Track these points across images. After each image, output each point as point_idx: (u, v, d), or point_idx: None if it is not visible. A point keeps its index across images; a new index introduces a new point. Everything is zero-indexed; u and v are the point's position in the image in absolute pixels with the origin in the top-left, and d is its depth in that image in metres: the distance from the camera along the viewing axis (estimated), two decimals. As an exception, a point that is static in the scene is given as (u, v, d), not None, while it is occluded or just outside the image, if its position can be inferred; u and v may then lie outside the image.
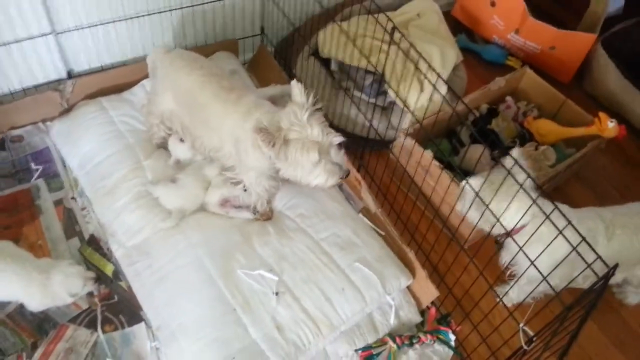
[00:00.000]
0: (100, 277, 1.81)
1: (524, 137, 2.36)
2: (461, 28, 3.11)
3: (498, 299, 1.76)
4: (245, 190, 1.91)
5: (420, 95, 2.32)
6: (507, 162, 1.59)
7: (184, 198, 1.91)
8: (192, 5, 2.25)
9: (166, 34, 2.30)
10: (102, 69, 2.27)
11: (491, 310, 1.75)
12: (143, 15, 2.17)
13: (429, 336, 1.85)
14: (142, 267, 1.82)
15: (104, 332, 1.72)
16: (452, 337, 1.87)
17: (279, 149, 1.62)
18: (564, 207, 1.73)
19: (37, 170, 2.08)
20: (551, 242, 1.39)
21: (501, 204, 1.64)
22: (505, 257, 1.89)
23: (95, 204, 1.98)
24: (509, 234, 1.71)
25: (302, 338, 1.70)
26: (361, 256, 1.88)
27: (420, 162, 2.10)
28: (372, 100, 2.39)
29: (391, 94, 2.33)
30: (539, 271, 1.45)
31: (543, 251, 1.43)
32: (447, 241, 1.99)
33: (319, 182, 1.70)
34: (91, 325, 1.74)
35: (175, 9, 2.22)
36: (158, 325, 1.71)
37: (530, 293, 1.82)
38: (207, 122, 1.84)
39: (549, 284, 1.43)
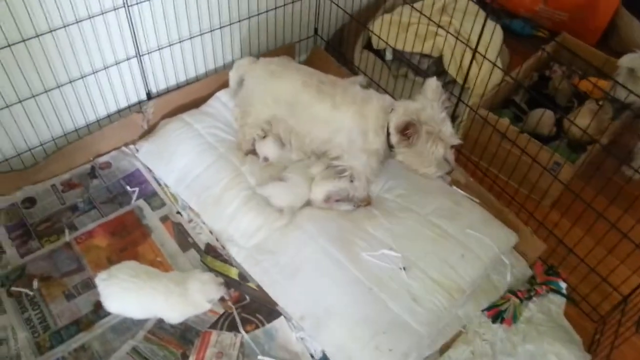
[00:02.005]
0: (227, 282, 1.86)
1: (580, 96, 2.50)
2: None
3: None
4: (351, 181, 1.99)
5: (479, 71, 2.44)
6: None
7: (294, 195, 1.98)
8: (256, 15, 2.34)
9: (234, 45, 2.38)
10: (178, 87, 2.33)
11: (603, 259, 1.86)
12: (215, 30, 2.25)
13: (543, 287, 1.95)
14: (268, 265, 1.87)
15: (246, 332, 1.77)
16: (563, 285, 1.98)
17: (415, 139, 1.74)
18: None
19: (134, 192, 2.12)
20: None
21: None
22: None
23: (204, 214, 2.03)
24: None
25: (438, 305, 1.78)
26: (469, 223, 1.98)
27: (496, 129, 2.21)
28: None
29: (451, 72, 2.44)
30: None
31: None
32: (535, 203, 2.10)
33: (428, 172, 1.84)
34: (232, 327, 1.78)
35: (243, 20, 2.30)
36: (301, 315, 1.77)
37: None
38: (316, 118, 1.93)
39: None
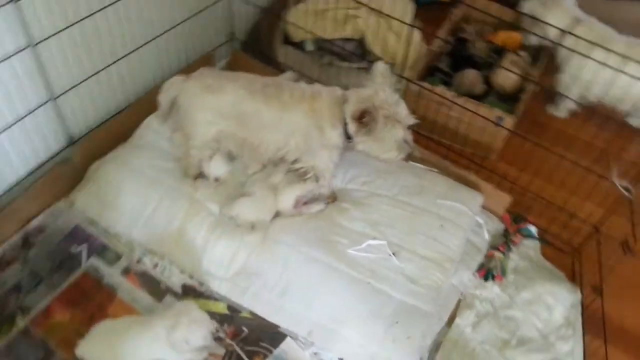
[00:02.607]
0: (218, 319, 1.72)
1: (498, 50, 2.62)
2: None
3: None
4: (317, 180, 1.92)
5: (400, 45, 2.46)
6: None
7: (262, 208, 1.88)
8: (166, 31, 2.16)
9: (152, 66, 2.20)
10: (101, 123, 2.11)
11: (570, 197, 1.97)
12: (130, 53, 2.05)
13: (517, 235, 2.03)
14: (256, 289, 1.77)
15: (256, 363, 1.66)
16: (533, 229, 2.08)
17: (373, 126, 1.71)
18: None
19: (80, 252, 1.89)
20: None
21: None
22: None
23: (170, 254, 1.87)
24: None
25: (435, 280, 1.78)
26: (437, 193, 2.00)
27: (442, 96, 2.24)
28: (357, 65, 2.51)
29: (376, 51, 2.44)
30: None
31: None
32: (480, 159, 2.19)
33: (390, 157, 1.84)
34: (239, 364, 1.66)
35: (155, 39, 2.12)
36: (308, 331, 1.69)
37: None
38: (266, 124, 1.84)
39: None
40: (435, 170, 2.13)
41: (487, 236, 2.01)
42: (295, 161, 1.94)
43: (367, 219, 1.91)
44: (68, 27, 1.75)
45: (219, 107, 1.86)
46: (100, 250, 1.90)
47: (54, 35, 1.72)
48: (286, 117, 1.83)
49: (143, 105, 2.15)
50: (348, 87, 2.42)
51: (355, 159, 2.06)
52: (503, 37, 2.63)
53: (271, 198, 1.91)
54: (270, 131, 1.86)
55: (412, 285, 1.75)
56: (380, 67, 1.79)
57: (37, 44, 1.69)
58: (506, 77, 2.48)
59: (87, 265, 1.86)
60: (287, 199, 1.92)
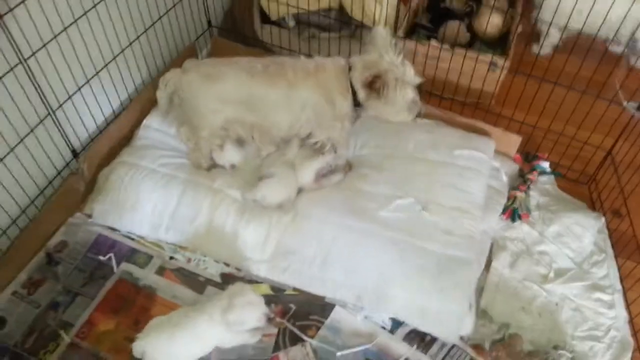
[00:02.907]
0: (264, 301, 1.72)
1: (474, -1, 2.65)
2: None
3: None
4: (335, 151, 1.92)
5: (381, 8, 2.46)
6: None
7: (287, 186, 1.87)
8: (145, 32, 2.11)
9: (139, 66, 2.14)
10: (100, 131, 2.05)
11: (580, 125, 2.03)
12: (117, 56, 1.99)
13: (534, 173, 2.08)
14: (297, 266, 1.77)
15: (311, 337, 1.67)
16: (546, 164, 2.13)
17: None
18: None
19: (110, 259, 1.85)
20: None
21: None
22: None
23: (203, 247, 1.85)
24: None
25: (468, 227, 1.82)
26: (450, 144, 2.04)
27: (428, 54, 2.26)
28: (340, 34, 2.50)
29: (357, 17, 2.44)
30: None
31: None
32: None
33: (402, 118, 1.84)
34: (295, 340, 1.67)
35: (137, 39, 2.06)
36: (356, 296, 1.71)
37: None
38: (275, 104, 1.82)
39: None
40: (442, 123, 2.16)
41: (505, 178, 2.05)
42: (308, 136, 1.93)
43: (389, 180, 1.93)
44: (55, 37, 1.69)
45: (223, 95, 1.83)
46: (129, 255, 1.87)
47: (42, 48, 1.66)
48: (294, 95, 1.81)
49: (138, 106, 2.11)
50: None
51: (362, 125, 2.06)
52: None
53: (292, 175, 1.91)
54: (279, 111, 1.85)
55: (448, 237, 1.78)
56: (380, 31, 1.77)
57: (27, 58, 1.62)
58: (489, 24, 2.50)
59: (120, 272, 1.82)
60: (307, 173, 1.91)
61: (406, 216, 1.82)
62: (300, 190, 1.92)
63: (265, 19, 2.56)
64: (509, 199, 2.00)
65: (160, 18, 2.15)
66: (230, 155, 1.97)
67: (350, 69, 1.79)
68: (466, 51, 2.21)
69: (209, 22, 2.48)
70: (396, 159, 2.00)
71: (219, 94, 1.82)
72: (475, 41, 2.55)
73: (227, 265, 1.83)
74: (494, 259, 1.85)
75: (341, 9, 2.49)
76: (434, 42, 2.31)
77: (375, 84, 1.72)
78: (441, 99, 2.32)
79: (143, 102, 2.12)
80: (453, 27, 2.50)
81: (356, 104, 1.83)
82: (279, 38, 2.49)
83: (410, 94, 1.79)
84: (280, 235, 1.81)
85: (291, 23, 2.55)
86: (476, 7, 2.58)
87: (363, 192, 1.90)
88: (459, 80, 2.32)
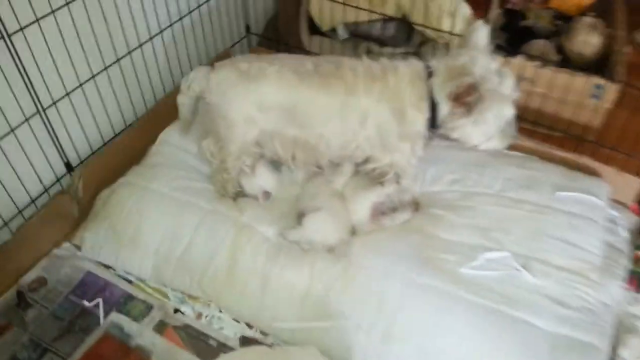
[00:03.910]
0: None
1: (561, 17, 2.22)
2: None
3: None
4: (397, 182, 1.46)
5: (452, 21, 2.04)
6: None
7: (339, 224, 1.41)
8: (170, 25, 1.73)
9: (159, 70, 1.75)
10: (105, 143, 1.64)
11: None
12: (124, 56, 1.60)
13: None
14: (348, 336, 1.28)
15: None
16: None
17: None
18: None
19: (97, 306, 1.40)
20: None
21: None
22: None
23: (219, 298, 1.39)
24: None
25: (585, 297, 1.31)
26: (552, 184, 1.57)
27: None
28: (402, 50, 2.09)
29: (428, 32, 2.03)
30: None
31: None
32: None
33: (494, 145, 1.41)
34: None
35: (157, 35, 1.68)
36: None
37: None
38: (327, 114, 1.40)
39: None
40: (536, 157, 1.68)
41: (625, 233, 1.54)
42: (366, 161, 1.48)
43: (472, 225, 1.45)
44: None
45: (261, 99, 1.40)
46: (122, 302, 1.42)
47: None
48: (352, 103, 1.38)
49: (156, 118, 1.71)
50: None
51: (431, 154, 1.60)
52: (557, 1, 2.25)
53: (343, 210, 1.45)
54: (331, 123, 1.41)
55: (560, 308, 1.27)
56: (479, 26, 1.36)
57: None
58: (585, 44, 2.06)
59: (108, 324, 1.37)
60: (361, 208, 1.46)
61: (500, 276, 1.33)
62: (353, 231, 1.45)
63: (314, 29, 2.18)
64: (635, 261, 1.48)
65: (189, 13, 1.77)
66: (264, 179, 1.54)
67: (430, 74, 1.36)
68: (569, 71, 1.76)
69: (247, 28, 2.11)
70: (480, 197, 1.54)
71: (255, 97, 1.40)
72: (567, 65, 2.09)
73: (250, 326, 1.36)
74: (621, 346, 1.32)
75: (404, 19, 2.09)
76: (521, 59, 1.86)
77: (466, 97, 1.27)
78: (533, 129, 1.85)
79: (162, 113, 1.73)
80: (539, 46, 2.07)
81: (432, 124, 1.38)
82: (330, 50, 2.10)
83: (509, 112, 1.35)
84: (327, 290, 1.33)
85: (344, 34, 2.15)
86: (567, 26, 2.14)
87: (436, 239, 1.43)
88: (552, 107, 1.86)
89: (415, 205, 1.56)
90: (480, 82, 1.29)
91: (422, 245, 1.41)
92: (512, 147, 1.65)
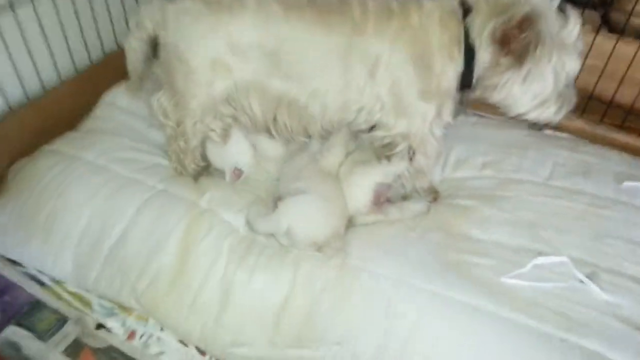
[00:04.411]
0: None
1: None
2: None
3: None
4: (412, 155, 1.08)
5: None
6: None
7: (329, 213, 1.02)
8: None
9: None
10: (28, 101, 1.25)
11: None
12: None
13: None
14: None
15: None
16: None
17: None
18: None
19: (-11, 317, 1.00)
20: None
21: None
22: None
23: (161, 312, 0.99)
24: None
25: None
26: (614, 172, 1.21)
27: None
28: None
29: None
30: None
31: None
32: None
33: (544, 115, 1.05)
34: None
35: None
36: None
37: None
38: (325, 61, 1.04)
39: None
40: (588, 141, 1.32)
41: None
42: (373, 128, 1.10)
43: (513, 221, 1.08)
44: None
45: (234, 36, 1.03)
46: (26, 311, 1.03)
47: None
48: (359, 45, 1.02)
49: (98, 75, 1.35)
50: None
51: (453, 132, 1.23)
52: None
53: (336, 194, 1.06)
54: (328, 74, 1.04)
55: (636, 333, 0.89)
56: None
57: None
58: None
59: (1, 341, 0.96)
60: (360, 190, 1.08)
61: (556, 289, 0.94)
62: (350, 223, 1.07)
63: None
64: None
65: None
66: (238, 150, 1.15)
67: (466, 11, 0.99)
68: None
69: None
70: (522, 186, 1.16)
71: (228, 33, 1.03)
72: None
73: (202, 352, 0.97)
74: None
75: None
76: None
77: (518, 36, 0.91)
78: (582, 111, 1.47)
79: (110, 68, 1.34)
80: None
81: (465, 81, 1.00)
82: None
83: (574, 66, 1.00)
84: (312, 305, 0.94)
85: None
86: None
87: (467, 239, 1.05)
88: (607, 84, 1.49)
89: (434, 194, 1.18)
90: (539, 18, 0.92)
91: (445, 245, 1.03)
92: (558, 127, 1.31)
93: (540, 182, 1.16)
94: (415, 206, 1.11)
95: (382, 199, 1.10)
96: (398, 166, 1.09)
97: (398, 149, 1.09)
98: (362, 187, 1.08)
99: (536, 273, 0.97)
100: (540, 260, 0.99)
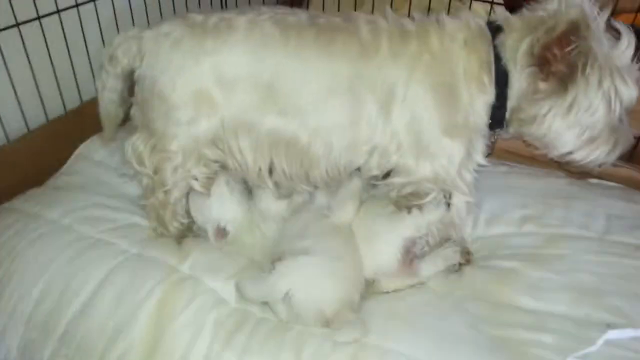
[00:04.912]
0: None
1: None
2: None
3: None
4: (449, 200, 0.89)
5: None
6: None
7: (340, 278, 0.82)
8: None
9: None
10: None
11: None
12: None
13: None
14: None
15: None
16: None
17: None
18: None
19: None
20: None
21: None
22: None
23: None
24: None
25: None
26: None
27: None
28: None
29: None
30: None
31: None
32: None
33: (593, 156, 0.88)
34: None
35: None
36: None
37: None
38: (325, 97, 0.88)
39: None
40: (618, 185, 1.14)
41: None
42: (388, 174, 0.92)
43: (571, 285, 0.89)
44: None
45: (222, 66, 0.88)
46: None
47: None
48: (370, 74, 0.87)
49: (72, 123, 1.20)
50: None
51: (482, 184, 1.04)
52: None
53: (350, 254, 0.86)
54: (333, 109, 0.88)
55: None
56: None
57: None
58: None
59: None
60: (387, 246, 0.89)
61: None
62: (369, 287, 0.87)
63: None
64: None
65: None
66: (221, 204, 0.97)
67: (496, 30, 0.84)
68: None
69: None
70: (575, 244, 0.97)
71: (214, 63, 0.88)
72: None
73: None
74: None
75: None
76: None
77: (561, 56, 0.76)
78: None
79: (87, 117, 1.18)
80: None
81: (497, 114, 0.85)
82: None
83: (630, 94, 0.84)
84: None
85: None
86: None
87: (515, 310, 0.86)
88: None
89: (466, 256, 0.97)
90: (586, 33, 0.76)
91: (488, 318, 0.82)
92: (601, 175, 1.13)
93: (596, 237, 0.96)
94: (448, 259, 0.91)
95: (411, 256, 0.90)
96: (435, 214, 0.89)
97: (428, 198, 0.90)
98: (388, 243, 0.88)
99: (609, 351, 0.75)
100: (613, 334, 0.77)
